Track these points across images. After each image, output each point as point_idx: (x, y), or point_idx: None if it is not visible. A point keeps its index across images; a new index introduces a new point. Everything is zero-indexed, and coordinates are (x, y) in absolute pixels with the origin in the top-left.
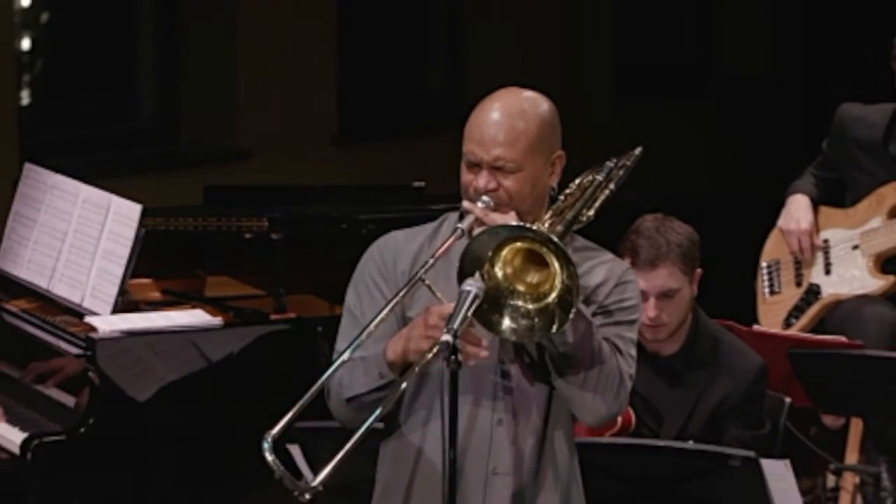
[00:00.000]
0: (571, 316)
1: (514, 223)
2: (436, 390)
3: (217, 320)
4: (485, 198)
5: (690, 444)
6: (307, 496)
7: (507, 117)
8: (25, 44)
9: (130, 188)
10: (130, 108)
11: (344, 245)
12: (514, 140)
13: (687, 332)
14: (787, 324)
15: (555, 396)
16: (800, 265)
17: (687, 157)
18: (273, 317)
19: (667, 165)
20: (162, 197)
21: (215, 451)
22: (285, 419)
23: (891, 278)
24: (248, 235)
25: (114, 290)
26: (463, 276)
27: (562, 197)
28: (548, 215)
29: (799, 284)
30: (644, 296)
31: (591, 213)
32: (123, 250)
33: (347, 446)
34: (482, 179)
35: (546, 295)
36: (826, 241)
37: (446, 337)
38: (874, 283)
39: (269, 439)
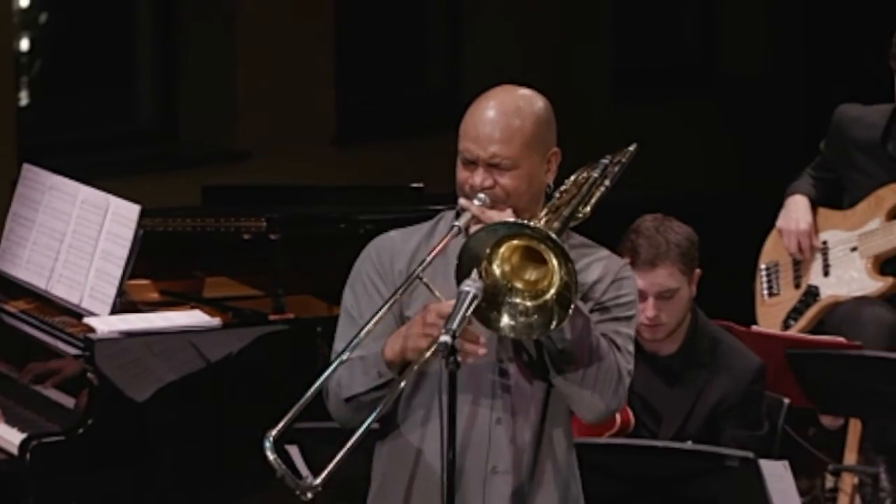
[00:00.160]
0: (570, 313)
1: (511, 220)
2: (434, 389)
3: (216, 321)
4: (481, 195)
5: (689, 445)
6: (309, 495)
7: (502, 115)
8: (24, 44)
9: (129, 189)
10: (129, 109)
11: (343, 245)
12: (510, 137)
13: (685, 332)
14: (786, 325)
15: (553, 394)
16: (798, 267)
17: (687, 157)
18: (272, 317)
19: (666, 165)
20: (160, 197)
21: (214, 451)
22: (286, 419)
23: (889, 280)
24: (246, 236)
25: (112, 291)
26: (461, 273)
27: (557, 194)
28: (544, 212)
29: (798, 286)
30: (643, 295)
31: (588, 209)
32: (122, 251)
33: (348, 445)
34: (478, 177)
35: (544, 292)
36: (825, 242)
37: (445, 337)
38: (873, 285)
39: (271, 438)
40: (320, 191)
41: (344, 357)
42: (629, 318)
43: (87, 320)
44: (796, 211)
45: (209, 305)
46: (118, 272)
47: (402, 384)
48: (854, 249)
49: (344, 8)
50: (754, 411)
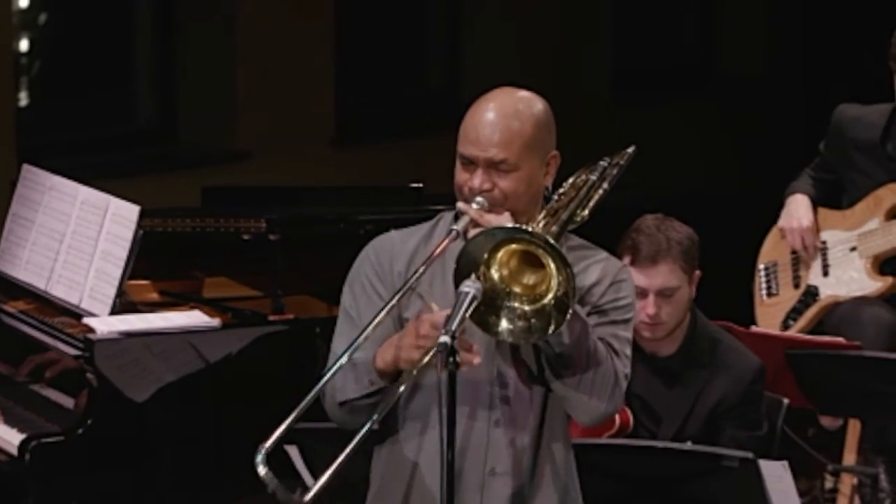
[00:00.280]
0: (568, 317)
1: (509, 225)
2: (432, 391)
3: (215, 321)
4: (479, 199)
5: (688, 446)
6: None
7: (502, 117)
8: (24, 45)
9: (128, 189)
10: (129, 109)
11: (342, 246)
12: (510, 140)
13: (685, 332)
14: (786, 325)
15: (551, 396)
16: (797, 267)
17: (686, 157)
18: (271, 318)
19: (666, 166)
20: (160, 198)
21: (214, 451)
22: (279, 430)
23: (888, 280)
24: (246, 236)
25: (112, 292)
26: (459, 278)
27: (556, 196)
28: (542, 215)
29: (797, 286)
30: (643, 293)
31: (586, 213)
32: (122, 251)
33: (341, 458)
34: (477, 179)
35: (542, 296)
36: (824, 242)
37: (444, 338)
38: (872, 285)
39: (263, 452)
40: (320, 191)
41: (342, 360)
42: (627, 322)
43: (87, 321)
44: (797, 210)
45: (209, 306)
46: (118, 273)
47: (402, 388)
48: (853, 249)
49: (344, 8)
50: (754, 412)
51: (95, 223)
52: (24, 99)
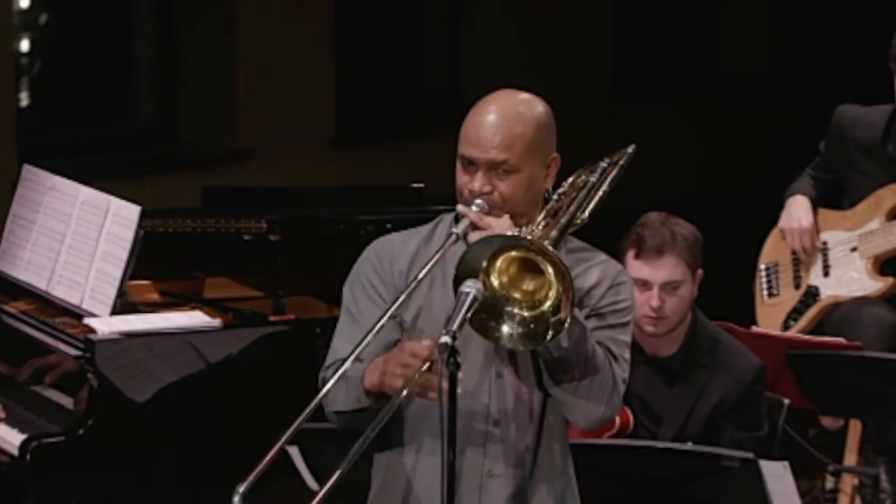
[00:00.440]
0: (567, 322)
1: (509, 233)
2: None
3: (216, 322)
4: (478, 201)
5: (689, 446)
6: None
7: (504, 120)
8: (24, 45)
9: (129, 189)
10: (129, 110)
11: (343, 246)
12: (512, 143)
13: (685, 332)
14: (786, 326)
15: (549, 399)
16: (798, 267)
17: (686, 158)
18: (272, 318)
19: (666, 166)
20: (160, 198)
21: (214, 451)
22: (255, 473)
23: (889, 280)
24: (246, 237)
25: (112, 292)
26: (458, 286)
27: (555, 196)
28: (541, 216)
29: (797, 286)
30: (648, 285)
31: (586, 216)
32: (122, 252)
33: (335, 476)
34: (477, 182)
35: (542, 302)
36: (825, 243)
37: (445, 338)
38: (873, 285)
39: (240, 494)
40: (320, 192)
41: (342, 371)
42: (625, 325)
43: (88, 321)
44: (797, 210)
45: (209, 306)
46: (118, 273)
47: (393, 408)
48: (854, 250)
49: (344, 8)
50: (754, 412)
51: (96, 224)
52: (24, 99)
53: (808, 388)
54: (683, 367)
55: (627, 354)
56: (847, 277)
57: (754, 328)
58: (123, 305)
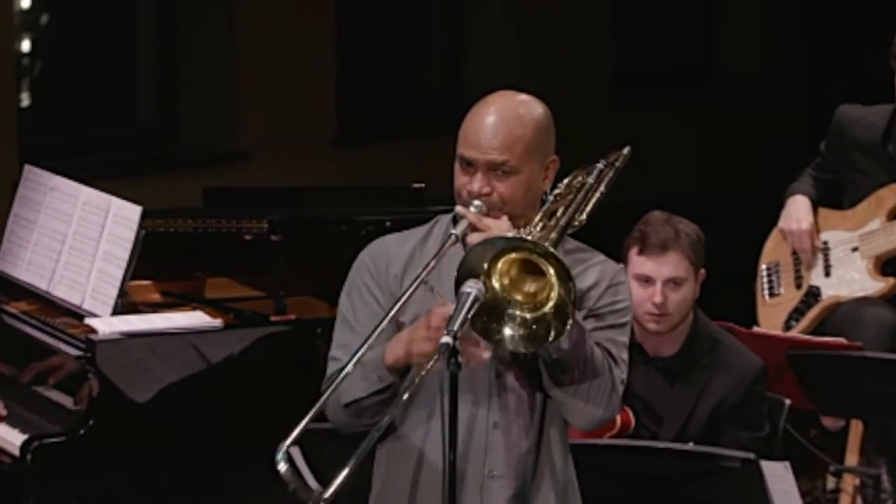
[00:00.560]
0: (568, 325)
1: (510, 235)
2: (432, 394)
3: (217, 322)
4: (477, 202)
5: (690, 446)
6: None
7: (503, 121)
8: (25, 45)
9: (130, 190)
10: (130, 110)
11: (343, 246)
12: (511, 143)
13: (686, 332)
14: (788, 326)
15: (549, 400)
16: (799, 267)
17: (687, 158)
18: (273, 318)
19: (667, 166)
20: (161, 198)
21: (215, 451)
22: (298, 429)
23: (890, 280)
24: (247, 237)
25: (113, 292)
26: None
27: (552, 197)
28: (538, 217)
29: (799, 286)
30: (651, 281)
31: (584, 217)
32: (123, 252)
33: (358, 452)
34: (476, 183)
35: (543, 304)
36: (825, 243)
37: (446, 339)
38: (874, 285)
39: (283, 450)
40: (321, 192)
41: (348, 369)
42: (623, 325)
43: (89, 321)
44: (797, 211)
45: (210, 306)
46: (119, 273)
47: (417, 380)
48: (855, 250)
49: (344, 8)
50: (755, 412)
51: (97, 224)
52: (25, 99)
53: (809, 389)
54: (684, 368)
55: (626, 356)
56: (848, 277)
57: (755, 328)
58: (124, 306)
